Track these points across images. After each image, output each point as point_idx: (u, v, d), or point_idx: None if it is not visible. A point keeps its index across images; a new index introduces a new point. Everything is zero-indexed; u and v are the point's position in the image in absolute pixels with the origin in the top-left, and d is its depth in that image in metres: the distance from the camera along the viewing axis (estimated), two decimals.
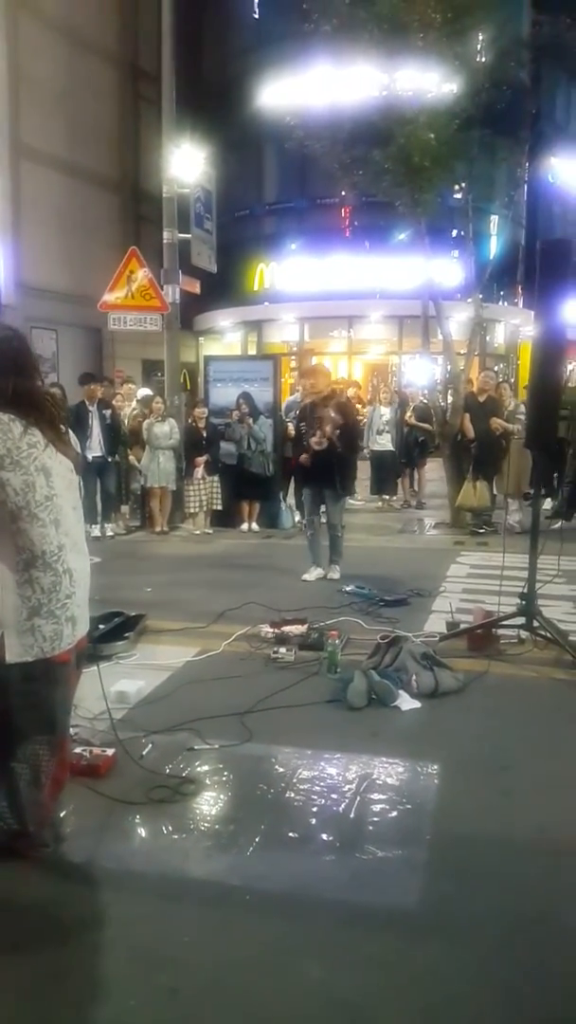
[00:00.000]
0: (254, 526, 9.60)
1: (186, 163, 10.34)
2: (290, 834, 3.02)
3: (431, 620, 5.71)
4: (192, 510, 9.53)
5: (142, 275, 9.93)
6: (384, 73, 9.15)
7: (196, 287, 11.07)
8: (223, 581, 7.05)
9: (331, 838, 2.99)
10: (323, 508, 7.03)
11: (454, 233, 14.61)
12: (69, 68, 18.68)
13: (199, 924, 2.54)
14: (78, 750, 3.39)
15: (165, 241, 10.19)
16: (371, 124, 9.16)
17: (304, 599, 6.14)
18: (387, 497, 11.24)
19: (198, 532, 9.45)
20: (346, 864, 2.84)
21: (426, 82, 9.16)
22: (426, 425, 10.87)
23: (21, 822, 2.70)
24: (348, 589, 6.44)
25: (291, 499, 10.00)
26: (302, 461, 6.94)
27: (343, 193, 16.59)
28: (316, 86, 14.47)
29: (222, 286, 15.19)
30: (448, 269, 15.46)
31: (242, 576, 7.27)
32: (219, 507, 9.58)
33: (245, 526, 9.57)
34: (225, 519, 9.67)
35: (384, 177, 9.10)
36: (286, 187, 19.38)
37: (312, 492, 7.03)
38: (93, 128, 19.56)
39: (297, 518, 9.91)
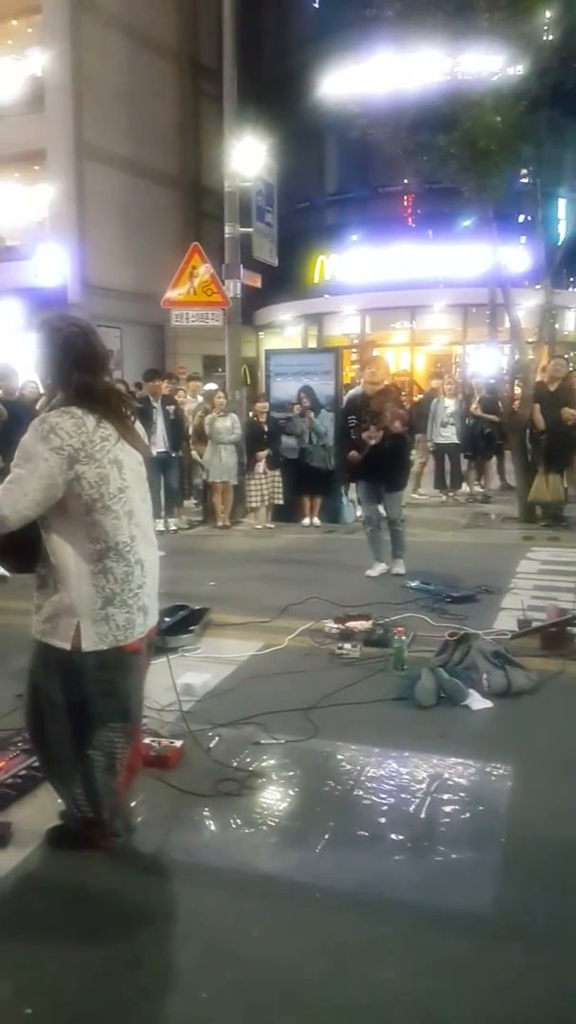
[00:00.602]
0: (315, 520, 9.57)
1: (247, 157, 10.33)
2: (359, 832, 2.98)
3: (501, 618, 5.58)
4: (253, 505, 9.54)
5: (204, 270, 9.97)
6: (448, 56, 8.98)
7: (257, 281, 11.06)
8: (285, 576, 7.03)
9: (402, 838, 2.94)
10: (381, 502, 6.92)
11: (521, 218, 14.26)
12: (130, 66, 18.88)
13: (269, 920, 2.52)
14: (147, 741, 3.41)
15: (227, 235, 10.21)
16: (435, 109, 8.99)
17: (368, 595, 6.07)
18: (452, 491, 11.06)
19: (259, 527, 9.46)
20: (418, 865, 2.79)
21: (491, 64, 8.95)
22: (493, 416, 10.66)
23: (96, 810, 2.73)
24: (413, 585, 6.36)
25: (353, 493, 9.94)
26: (351, 458, 6.78)
27: (405, 181, 16.39)
28: (378, 73, 14.31)
29: (282, 280, 15.18)
30: (516, 255, 15.09)
31: (304, 571, 7.25)
32: (280, 502, 9.58)
33: (306, 520, 9.55)
34: (286, 514, 9.66)
35: (449, 162, 8.93)
36: (347, 177, 19.23)
37: (368, 486, 6.94)
38: (154, 125, 19.75)
39: (358, 512, 9.86)
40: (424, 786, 3.29)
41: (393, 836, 2.96)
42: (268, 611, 5.72)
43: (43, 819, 3.00)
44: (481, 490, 11.23)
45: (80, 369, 2.59)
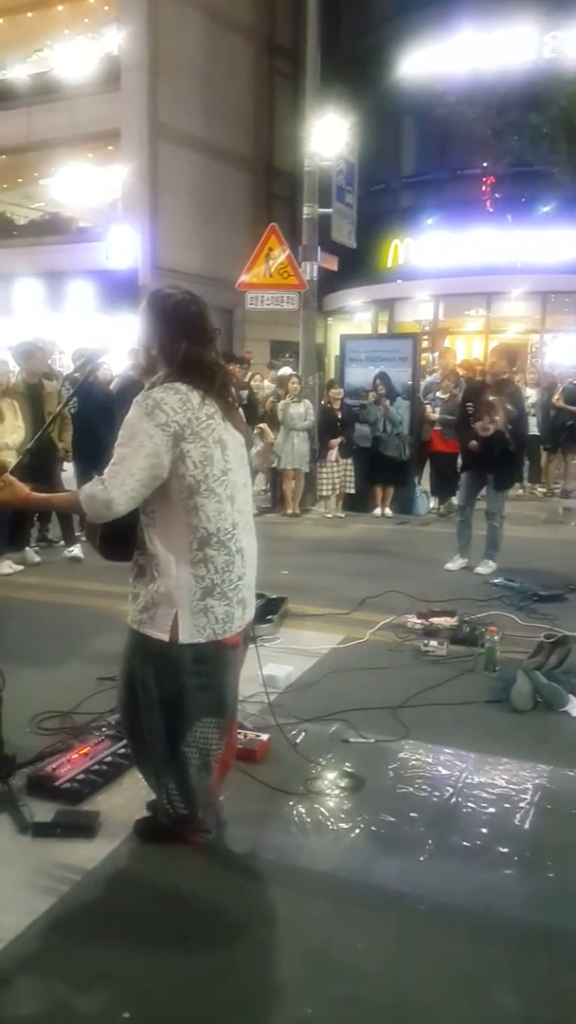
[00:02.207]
0: (387, 511, 9.37)
1: (328, 135, 10.09)
2: (463, 843, 2.82)
3: None
4: (324, 493, 9.39)
5: (281, 253, 9.79)
6: (542, 32, 8.61)
7: (334, 264, 10.84)
8: (360, 567, 6.88)
9: (507, 850, 2.77)
10: (481, 495, 6.68)
11: None
12: (206, 45, 18.72)
13: (372, 932, 2.39)
14: None
15: (305, 216, 10.01)
16: (527, 87, 8.64)
17: (448, 590, 5.88)
18: (529, 484, 10.71)
19: (330, 515, 9.31)
20: (527, 880, 2.63)
21: None
22: (575, 408, 10.27)
23: (190, 807, 2.63)
24: (496, 582, 6.14)
25: (426, 484, 9.72)
26: (471, 447, 6.54)
27: (484, 164, 15.89)
28: (462, 51, 13.88)
29: (353, 264, 14.88)
30: None
31: (379, 562, 7.08)
32: (352, 491, 9.40)
33: (378, 511, 9.36)
34: (357, 503, 9.48)
35: (541, 142, 8.57)
36: (424, 159, 18.74)
37: (472, 477, 6.71)
38: (228, 105, 19.58)
39: (432, 504, 9.63)
40: (528, 796, 3.11)
41: (498, 848, 2.79)
42: (346, 603, 5.57)
43: (131, 809, 2.93)
44: (560, 485, 10.85)
45: (190, 340, 2.46)
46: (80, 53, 18.78)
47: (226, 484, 2.48)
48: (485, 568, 6.49)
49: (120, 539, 2.54)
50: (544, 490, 10.77)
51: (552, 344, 17.33)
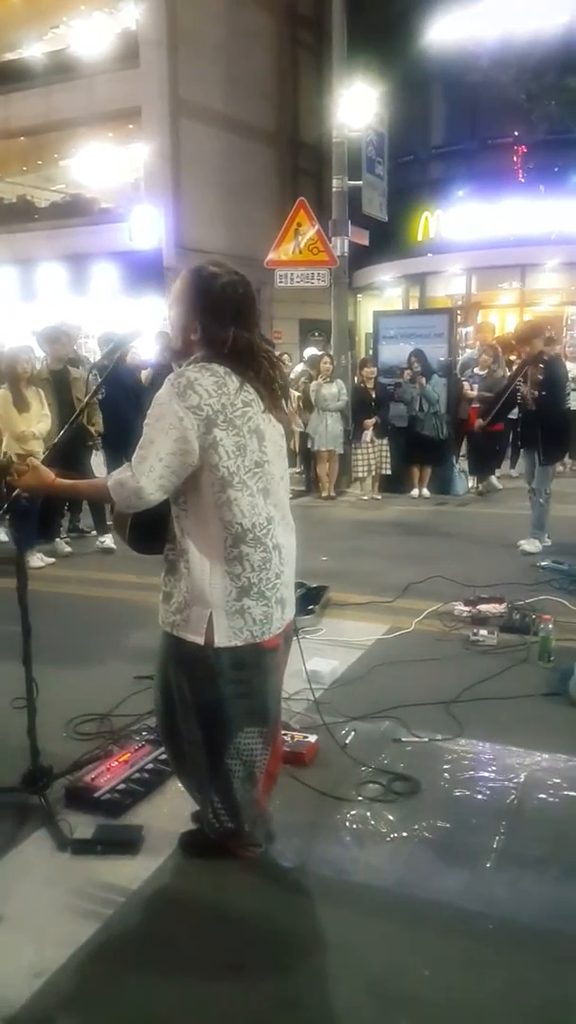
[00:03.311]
0: (425, 492, 9.13)
1: (356, 106, 9.75)
2: (529, 852, 2.63)
3: None
4: (360, 475, 9.16)
5: (310, 228, 9.51)
6: None
7: (365, 238, 10.51)
8: (401, 551, 6.66)
9: None
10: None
11: None
12: (226, 17, 18.29)
13: (439, 955, 2.21)
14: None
15: (335, 189, 9.70)
16: (564, 50, 8.23)
17: (494, 573, 5.65)
18: (570, 461, 10.36)
19: (366, 498, 9.09)
20: None
21: None
22: None
23: (236, 821, 2.47)
24: (544, 564, 5.89)
25: (464, 463, 9.45)
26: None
27: (516, 133, 15.38)
28: (491, 16, 13.36)
29: (382, 239, 14.50)
30: None
31: (420, 545, 6.86)
32: (388, 472, 9.16)
33: (415, 492, 9.12)
34: (394, 484, 9.25)
35: None
36: (454, 128, 18.15)
37: (526, 454, 6.68)
38: (250, 79, 19.18)
39: (471, 483, 9.37)
40: None
41: (568, 857, 2.60)
42: (388, 590, 5.38)
43: (175, 820, 2.78)
44: None
45: (238, 325, 2.25)
46: (97, 29, 18.47)
47: (260, 476, 2.28)
48: (531, 546, 6.29)
49: (151, 530, 2.36)
50: None
51: None
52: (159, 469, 2.16)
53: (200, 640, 2.28)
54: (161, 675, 2.45)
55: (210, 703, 2.34)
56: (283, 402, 2.44)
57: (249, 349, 2.27)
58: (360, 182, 9.94)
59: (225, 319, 2.25)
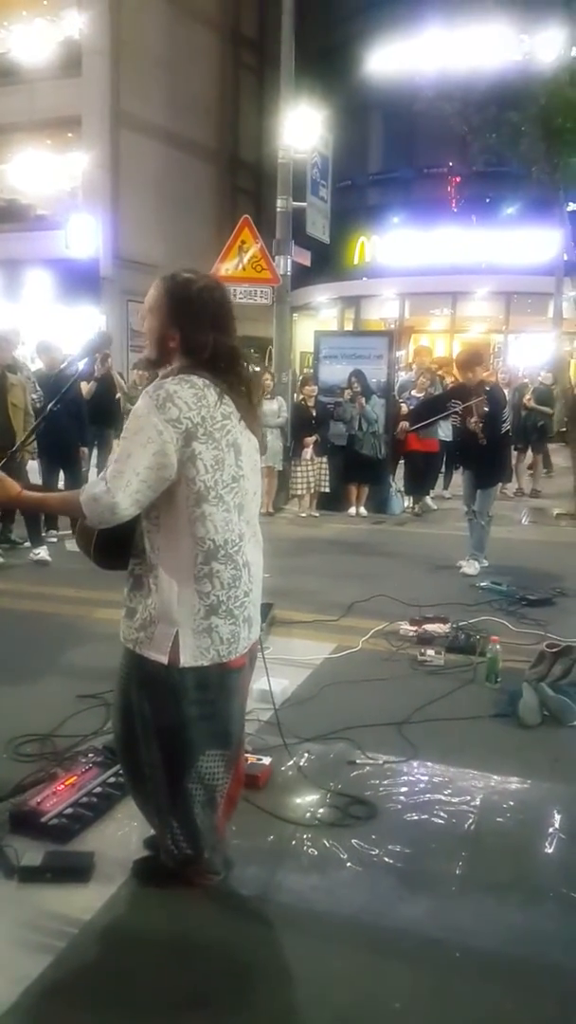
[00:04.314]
0: (362, 511, 9.17)
1: (302, 128, 9.82)
2: (490, 878, 2.61)
3: None
4: (299, 492, 9.15)
5: (253, 245, 9.50)
6: (513, 33, 8.51)
7: (307, 259, 10.57)
8: (341, 569, 6.66)
9: (538, 885, 2.58)
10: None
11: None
12: (170, 33, 18.32)
13: (408, 987, 2.16)
14: None
15: (279, 209, 9.73)
16: (506, 85, 8.50)
17: (435, 593, 5.70)
18: (500, 484, 10.59)
19: (304, 515, 9.08)
20: (565, 919, 2.42)
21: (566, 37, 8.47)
22: (547, 409, 10.20)
23: (195, 847, 2.37)
24: (483, 585, 5.98)
25: (401, 484, 9.56)
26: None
27: (450, 164, 15.82)
28: (430, 50, 13.74)
29: (319, 261, 14.64)
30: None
31: (361, 564, 6.87)
32: (326, 489, 9.18)
33: (353, 510, 9.16)
34: (331, 502, 9.27)
35: (520, 140, 8.45)
36: (391, 156, 18.61)
37: (467, 476, 6.72)
38: (192, 96, 19.20)
39: (407, 503, 9.47)
40: (552, 821, 2.91)
41: (529, 882, 2.59)
42: (333, 608, 5.35)
43: (127, 846, 2.66)
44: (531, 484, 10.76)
45: (217, 331, 2.19)
46: (39, 36, 18.17)
47: (236, 491, 2.22)
48: (471, 568, 6.36)
49: (118, 545, 2.25)
50: (516, 489, 10.68)
51: (515, 344, 17.36)
52: (136, 484, 2.07)
53: (164, 659, 2.19)
54: (121, 694, 2.33)
55: (172, 725, 2.24)
56: (258, 414, 2.40)
57: (230, 354, 2.22)
58: (304, 203, 9.99)
59: (204, 325, 2.19)
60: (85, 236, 16.67)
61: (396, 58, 15.13)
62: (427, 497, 9.54)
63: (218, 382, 2.18)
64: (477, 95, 8.65)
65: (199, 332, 2.17)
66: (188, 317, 2.17)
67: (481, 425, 6.12)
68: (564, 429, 9.88)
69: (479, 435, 6.13)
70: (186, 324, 2.18)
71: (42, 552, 6.49)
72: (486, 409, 6.14)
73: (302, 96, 10.01)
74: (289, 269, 9.82)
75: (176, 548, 2.18)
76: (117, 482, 2.07)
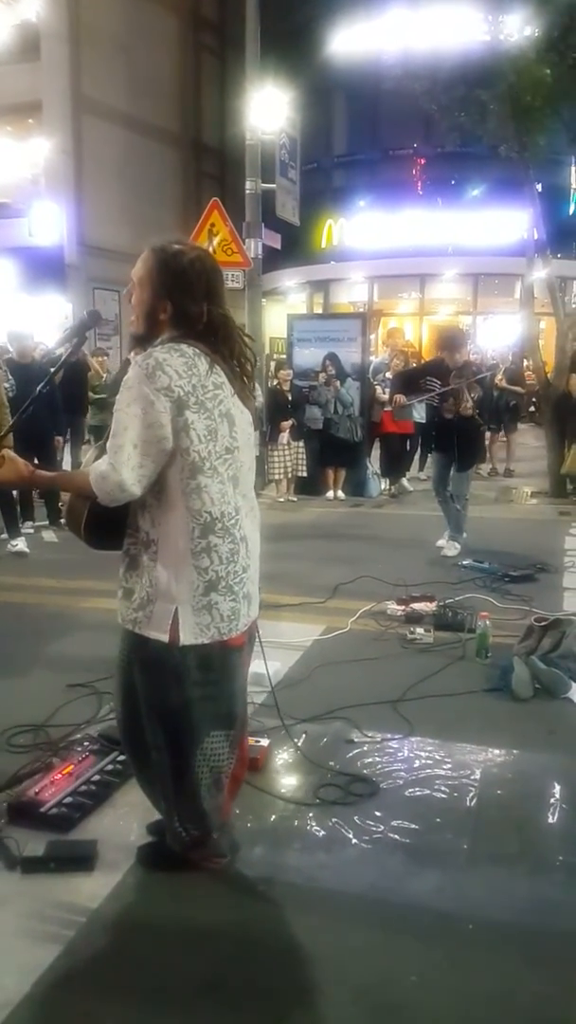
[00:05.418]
0: (340, 494, 9.16)
1: (268, 109, 9.71)
2: (497, 849, 2.61)
3: (568, 598, 5.26)
4: (276, 476, 9.11)
5: (223, 229, 9.38)
6: (477, 13, 8.47)
7: (277, 241, 10.48)
8: (325, 552, 6.64)
9: (545, 854, 2.58)
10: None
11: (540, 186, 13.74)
12: (130, 16, 17.97)
13: (423, 960, 2.14)
14: None
15: (248, 192, 9.62)
16: (476, 62, 8.45)
17: (419, 573, 5.70)
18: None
19: (282, 499, 9.04)
20: (573, 888, 2.43)
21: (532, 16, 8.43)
22: (518, 388, 10.26)
23: (203, 829, 2.33)
24: (465, 563, 5.99)
25: (377, 466, 9.56)
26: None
27: (415, 145, 15.79)
28: (394, 30, 13.67)
29: (287, 244, 14.55)
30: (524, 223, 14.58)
31: (343, 547, 6.85)
32: (304, 474, 9.15)
33: (330, 494, 9.15)
34: (309, 486, 9.24)
35: (489, 119, 8.42)
36: (356, 139, 18.52)
37: (440, 458, 6.68)
38: (153, 80, 18.88)
39: (384, 485, 9.48)
40: (557, 793, 2.92)
41: (536, 852, 2.60)
42: (319, 590, 5.33)
43: (129, 833, 2.63)
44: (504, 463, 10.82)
45: (210, 298, 2.14)
46: None
47: (230, 463, 2.18)
48: (451, 550, 6.36)
49: (110, 524, 2.19)
50: (489, 469, 10.73)
51: (483, 326, 17.44)
52: (136, 458, 2.03)
53: (164, 638, 2.14)
54: (123, 677, 2.29)
55: (176, 706, 2.20)
56: (252, 388, 2.36)
57: (224, 324, 2.18)
58: (272, 185, 9.90)
59: (197, 295, 2.15)
60: (49, 223, 16.35)
61: (360, 39, 15.03)
62: (403, 479, 9.56)
63: (210, 352, 2.14)
64: (444, 74, 8.58)
65: (193, 303, 2.13)
66: (182, 288, 2.13)
67: (477, 410, 6.14)
68: (533, 409, 9.95)
69: (476, 420, 6.17)
70: (180, 295, 2.14)
71: (20, 543, 6.37)
72: (480, 394, 6.17)
73: (267, 78, 9.89)
74: (260, 252, 9.73)
75: (172, 523, 2.13)
76: (118, 457, 2.03)
